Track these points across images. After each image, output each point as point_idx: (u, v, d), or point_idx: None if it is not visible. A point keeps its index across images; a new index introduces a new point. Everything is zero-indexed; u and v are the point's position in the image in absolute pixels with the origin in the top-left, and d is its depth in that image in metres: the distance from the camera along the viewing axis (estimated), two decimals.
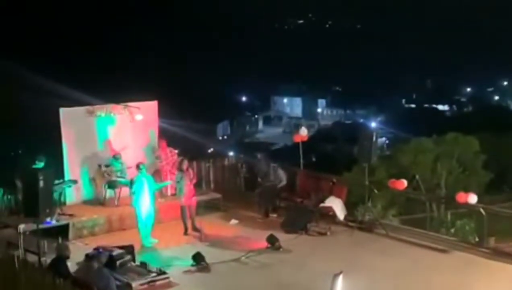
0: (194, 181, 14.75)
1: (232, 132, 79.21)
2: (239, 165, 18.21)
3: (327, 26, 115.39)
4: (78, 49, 71.01)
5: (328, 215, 14.88)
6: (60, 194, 15.00)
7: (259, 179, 16.18)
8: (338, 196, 15.19)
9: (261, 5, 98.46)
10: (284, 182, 16.09)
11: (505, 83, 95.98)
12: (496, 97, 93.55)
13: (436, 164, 25.95)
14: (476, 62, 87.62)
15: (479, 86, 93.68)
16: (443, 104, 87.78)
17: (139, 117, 16.69)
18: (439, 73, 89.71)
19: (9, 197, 14.86)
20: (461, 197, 13.84)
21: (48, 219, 12.78)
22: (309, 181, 16.43)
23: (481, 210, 13.67)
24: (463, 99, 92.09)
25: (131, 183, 14.26)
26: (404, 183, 15.20)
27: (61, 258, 10.51)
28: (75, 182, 15.50)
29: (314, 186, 16.11)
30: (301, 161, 17.43)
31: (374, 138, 14.84)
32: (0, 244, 12.13)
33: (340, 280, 7.48)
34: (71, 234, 14.09)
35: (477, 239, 17.92)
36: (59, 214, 14.21)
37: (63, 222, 14.11)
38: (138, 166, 14.16)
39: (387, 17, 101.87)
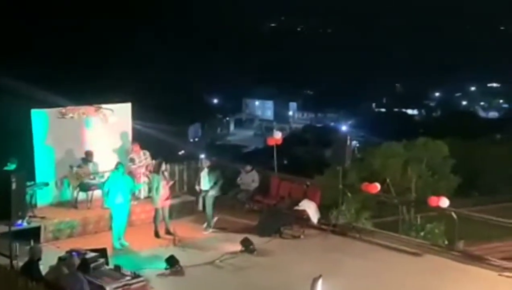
0: (171, 183, 14.70)
1: (203, 134, 78.98)
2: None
3: (299, 29, 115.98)
4: (50, 50, 70.16)
5: (302, 218, 14.95)
6: (31, 196, 14.79)
7: (240, 186, 16.46)
8: (312, 199, 15.27)
9: (234, 8, 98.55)
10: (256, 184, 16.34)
11: (473, 88, 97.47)
12: (464, 102, 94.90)
13: (406, 168, 26.18)
14: (444, 67, 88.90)
15: (447, 91, 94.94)
16: (412, 108, 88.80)
17: (112, 119, 16.59)
18: (409, 78, 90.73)
19: None
20: (433, 201, 14.03)
21: (19, 222, 12.61)
22: (283, 184, 16.49)
23: (453, 214, 13.87)
24: (432, 104, 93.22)
25: (104, 182, 14.19)
26: (377, 186, 15.35)
27: (34, 261, 10.38)
28: (46, 184, 15.30)
29: (287, 189, 16.17)
30: (275, 164, 17.48)
31: (348, 142, 14.96)
32: None
33: (319, 284, 7.50)
34: (42, 236, 13.92)
35: (446, 242, 18.14)
36: (30, 216, 14.01)
37: (34, 224, 13.92)
38: (116, 165, 14.08)
39: (357, 22, 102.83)
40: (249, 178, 16.53)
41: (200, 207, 15.21)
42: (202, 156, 22.51)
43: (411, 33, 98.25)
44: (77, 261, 10.38)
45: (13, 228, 11.68)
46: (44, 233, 14.03)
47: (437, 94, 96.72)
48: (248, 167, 16.78)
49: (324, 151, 46.57)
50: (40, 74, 46.05)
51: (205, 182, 14.98)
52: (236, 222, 15.64)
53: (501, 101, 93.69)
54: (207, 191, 14.99)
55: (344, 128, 64.92)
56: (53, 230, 14.26)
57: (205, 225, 15.05)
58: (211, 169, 15.13)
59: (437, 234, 20.46)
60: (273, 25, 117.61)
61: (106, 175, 15.17)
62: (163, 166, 14.67)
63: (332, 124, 79.70)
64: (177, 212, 15.47)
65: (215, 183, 14.92)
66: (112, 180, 13.91)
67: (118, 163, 14.23)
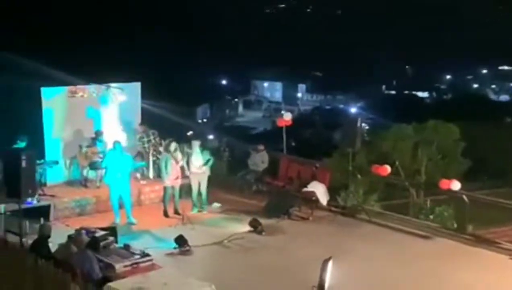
0: (180, 163, 14.67)
1: (212, 115, 78.88)
2: (221, 148, 18.15)
3: (308, 10, 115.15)
4: (60, 29, 70.06)
5: (311, 200, 14.90)
6: (41, 174, 14.83)
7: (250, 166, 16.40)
8: (321, 181, 15.21)
9: None
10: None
11: (484, 71, 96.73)
12: (475, 85, 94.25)
13: (416, 151, 26.06)
14: (456, 50, 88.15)
15: (458, 73, 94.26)
16: (423, 91, 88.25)
17: (121, 98, 16.58)
18: (419, 60, 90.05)
19: None
20: (444, 183, 13.95)
21: (29, 200, 12.64)
22: (292, 165, 16.45)
23: (464, 197, 13.79)
24: (442, 86, 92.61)
25: (102, 160, 14.30)
26: (388, 169, 15.28)
27: (43, 239, 10.42)
28: (56, 162, 15.36)
29: (296, 171, 16.13)
30: (284, 146, 17.43)
31: (358, 124, 14.89)
32: None
33: (330, 265, 7.47)
34: (52, 215, 13.97)
35: (455, 226, 18.07)
36: (40, 194, 14.06)
37: (44, 202, 13.98)
38: (114, 143, 14.18)
39: (368, 3, 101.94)
40: (259, 159, 16.48)
41: (195, 190, 14.94)
42: (211, 136, 22.49)
43: (423, 15, 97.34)
44: (85, 238, 10.42)
45: (23, 206, 11.71)
46: (54, 211, 14.09)
47: (448, 76, 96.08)
48: (261, 147, 16.69)
49: (333, 133, 46.44)
50: (50, 52, 45.99)
51: (197, 163, 14.80)
52: (245, 202, 15.66)
53: None
54: (200, 172, 14.81)
55: (353, 110, 64.67)
56: (62, 209, 14.33)
57: (205, 206, 14.99)
58: (203, 149, 15.07)
59: (446, 217, 20.36)
60: (282, 5, 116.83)
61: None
62: (173, 146, 14.63)
63: (341, 106, 79.33)
64: (186, 192, 15.46)
65: (207, 162, 14.84)
66: (109, 159, 14.08)
67: (116, 142, 14.29)
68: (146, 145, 16.30)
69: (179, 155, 14.66)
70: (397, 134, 26.83)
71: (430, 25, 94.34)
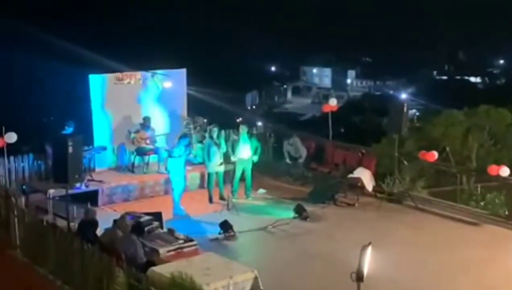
0: (223, 149, 14.70)
1: (260, 102, 78.93)
2: (267, 134, 18.12)
3: None
4: (107, 16, 71.06)
5: (357, 186, 14.77)
6: (90, 160, 15.12)
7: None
8: (367, 167, 15.05)
9: None
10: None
11: None
12: None
13: (466, 136, 25.52)
14: (509, 34, 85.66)
15: None
16: (475, 76, 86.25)
17: (167, 84, 16.71)
18: (472, 45, 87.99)
19: (38, 162, 15.03)
20: (493, 169, 13.61)
21: (77, 185, 12.88)
22: (338, 152, 16.31)
23: None
24: (495, 71, 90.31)
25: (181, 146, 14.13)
26: (435, 155, 15.00)
27: (89, 223, 10.60)
28: (104, 148, 15.60)
29: (342, 157, 16.00)
30: (330, 132, 17.29)
31: (404, 109, 14.63)
32: (30, 209, 12.23)
33: (369, 252, 7.37)
34: (100, 200, 14.22)
35: (506, 213, 17.64)
36: (88, 180, 14.34)
37: (92, 188, 14.24)
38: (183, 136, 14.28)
39: None
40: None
41: (239, 176, 14.91)
42: (259, 123, 22.46)
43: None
44: (129, 223, 10.53)
45: (71, 191, 11.94)
46: (102, 197, 14.33)
47: (501, 61, 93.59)
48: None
49: (382, 119, 45.84)
50: (98, 39, 46.71)
51: (244, 149, 14.76)
52: (290, 188, 15.61)
53: None
54: (246, 158, 14.77)
55: (403, 96, 63.58)
56: (110, 194, 14.56)
57: (250, 192, 14.99)
58: (251, 135, 15.04)
59: (498, 204, 19.90)
60: None
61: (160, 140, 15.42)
62: (215, 132, 14.67)
63: (391, 92, 78.22)
64: (231, 178, 15.49)
65: (256, 150, 14.82)
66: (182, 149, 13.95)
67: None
68: (192, 132, 16.40)
69: (222, 141, 14.70)
70: (448, 119, 26.30)
71: (483, 8, 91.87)
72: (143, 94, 16.51)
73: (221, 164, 14.65)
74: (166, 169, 14.66)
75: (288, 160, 16.25)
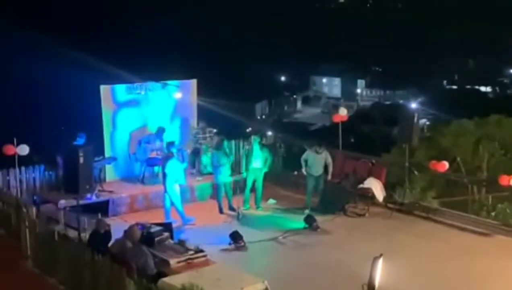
0: (231, 160, 14.71)
1: (270, 111, 78.98)
2: (277, 144, 18.11)
3: (368, 5, 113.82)
4: (119, 27, 71.47)
5: (367, 196, 14.72)
6: (100, 170, 15.17)
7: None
8: (377, 177, 15.00)
9: None
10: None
11: None
12: None
13: (477, 146, 25.40)
14: None
15: None
16: (486, 85, 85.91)
17: (178, 95, 16.77)
18: (482, 54, 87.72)
19: (50, 173, 15.10)
20: (504, 179, 13.57)
21: (88, 195, 12.93)
22: (348, 162, 16.25)
23: None
24: (506, 81, 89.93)
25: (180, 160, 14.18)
26: (446, 165, 14.96)
27: (98, 233, 10.63)
28: (115, 159, 15.65)
29: (352, 167, 15.93)
30: (340, 141, 17.25)
31: (415, 119, 14.61)
32: (41, 219, 12.28)
33: (380, 263, 7.35)
34: (110, 210, 14.26)
35: None
36: (99, 190, 14.39)
37: (103, 198, 14.28)
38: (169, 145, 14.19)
39: None
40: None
41: (250, 186, 14.88)
42: (269, 133, 22.43)
43: (486, 8, 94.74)
44: (139, 233, 10.52)
45: (82, 202, 11.99)
46: (112, 207, 14.36)
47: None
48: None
49: (392, 129, 45.74)
50: (109, 50, 46.97)
51: (257, 158, 14.75)
52: (300, 199, 15.58)
53: None
54: (257, 169, 14.77)
55: (413, 105, 63.44)
56: (120, 204, 14.57)
57: (260, 203, 14.98)
58: (263, 146, 15.05)
59: (509, 214, 19.77)
60: (341, 1, 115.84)
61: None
62: (224, 143, 14.70)
63: (401, 101, 78.04)
64: (241, 188, 15.49)
65: (266, 161, 14.80)
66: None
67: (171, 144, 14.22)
68: (202, 142, 16.43)
69: (231, 151, 14.74)
70: (458, 129, 26.14)
71: (493, 18, 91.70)
72: (153, 105, 16.55)
73: (230, 174, 14.66)
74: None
75: (304, 170, 15.12)
